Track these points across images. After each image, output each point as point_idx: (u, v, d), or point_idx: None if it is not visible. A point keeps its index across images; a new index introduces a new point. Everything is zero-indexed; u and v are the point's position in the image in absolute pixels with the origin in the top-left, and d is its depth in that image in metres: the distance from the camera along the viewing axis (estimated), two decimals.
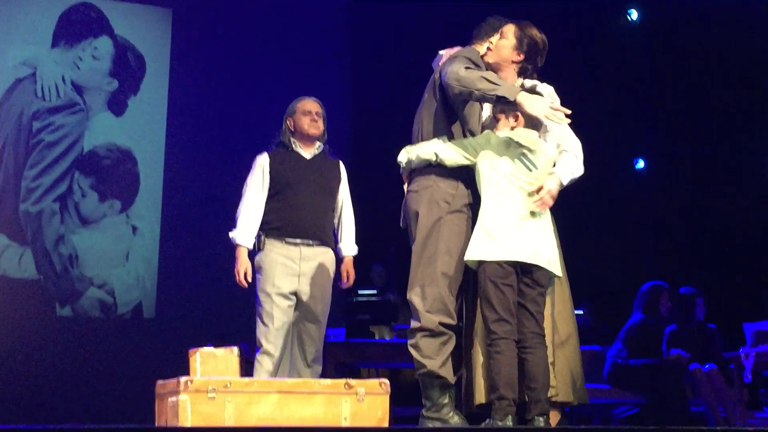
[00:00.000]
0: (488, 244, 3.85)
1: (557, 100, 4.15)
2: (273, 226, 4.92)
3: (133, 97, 7.71)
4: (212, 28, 7.81)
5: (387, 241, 6.99)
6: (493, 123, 4.10)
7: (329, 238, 5.03)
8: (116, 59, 7.71)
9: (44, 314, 7.24)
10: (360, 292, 6.62)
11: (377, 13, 7.95)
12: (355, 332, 6.17)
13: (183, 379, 3.56)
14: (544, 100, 3.86)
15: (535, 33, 4.14)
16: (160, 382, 3.89)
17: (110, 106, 7.65)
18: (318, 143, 5.08)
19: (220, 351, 4.06)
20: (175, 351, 4.95)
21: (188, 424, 3.46)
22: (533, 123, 4.00)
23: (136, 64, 7.76)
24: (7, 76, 7.40)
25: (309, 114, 5.04)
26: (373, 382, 3.76)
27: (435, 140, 4.05)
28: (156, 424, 3.84)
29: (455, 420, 3.93)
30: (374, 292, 6.60)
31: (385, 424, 3.69)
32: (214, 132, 7.55)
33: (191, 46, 7.80)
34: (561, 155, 4.07)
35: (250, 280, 4.90)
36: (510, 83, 4.00)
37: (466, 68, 3.88)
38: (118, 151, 7.61)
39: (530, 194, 3.88)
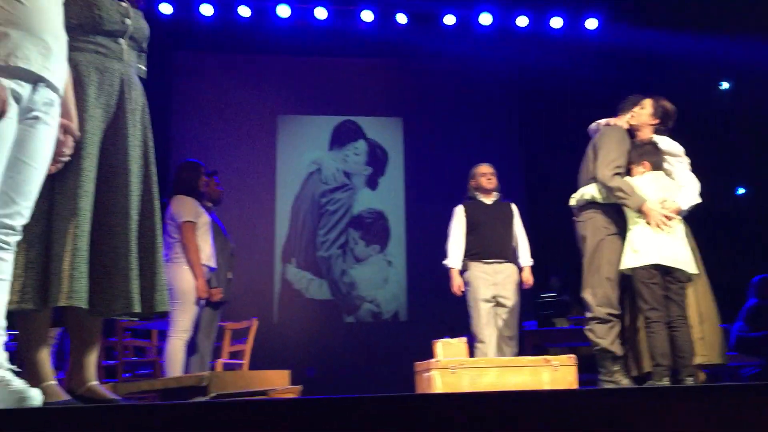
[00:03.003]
0: (636, 256, 3.64)
1: (678, 148, 3.92)
2: (473, 252, 4.85)
3: (382, 177, 7.84)
4: (426, 125, 7.86)
5: (558, 257, 6.75)
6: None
7: (512, 256, 4.90)
8: (369, 153, 7.88)
9: (337, 321, 7.42)
10: (543, 295, 6.36)
11: (539, 85, 7.69)
12: (543, 323, 5.94)
13: (433, 360, 3.52)
14: (658, 212, 3.62)
15: (666, 104, 3.92)
16: (417, 363, 3.86)
17: (368, 184, 7.81)
18: (495, 193, 5.01)
19: (454, 341, 4.00)
20: (422, 342, 4.90)
21: (438, 391, 3.42)
22: (657, 166, 3.78)
23: (382, 156, 7.89)
24: (304, 171, 7.71)
25: (485, 175, 5.00)
26: (564, 357, 3.59)
27: (594, 185, 3.87)
28: (416, 392, 3.82)
29: (625, 382, 3.68)
30: (554, 294, 6.32)
31: (575, 386, 3.51)
32: (432, 193, 7.55)
33: (415, 139, 7.87)
34: (682, 189, 3.80)
35: (463, 290, 4.84)
36: (646, 138, 3.81)
37: (613, 174, 3.72)
38: (375, 213, 7.75)
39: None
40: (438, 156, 7.72)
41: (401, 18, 7.43)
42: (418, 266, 7.49)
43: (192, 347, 4.49)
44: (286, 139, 7.71)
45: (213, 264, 4.53)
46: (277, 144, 7.69)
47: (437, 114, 7.86)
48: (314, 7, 7.30)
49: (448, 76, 7.82)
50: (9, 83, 2.01)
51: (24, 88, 2.07)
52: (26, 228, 2.17)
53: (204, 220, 4.52)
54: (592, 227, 3.83)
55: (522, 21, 7.55)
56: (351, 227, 7.65)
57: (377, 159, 7.89)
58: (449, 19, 7.48)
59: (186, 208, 4.44)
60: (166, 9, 7.11)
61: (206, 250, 4.44)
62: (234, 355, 4.85)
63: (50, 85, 2.15)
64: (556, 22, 7.56)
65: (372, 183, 7.81)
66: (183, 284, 4.31)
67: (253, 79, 7.68)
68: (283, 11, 7.28)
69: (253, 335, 4.91)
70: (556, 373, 3.52)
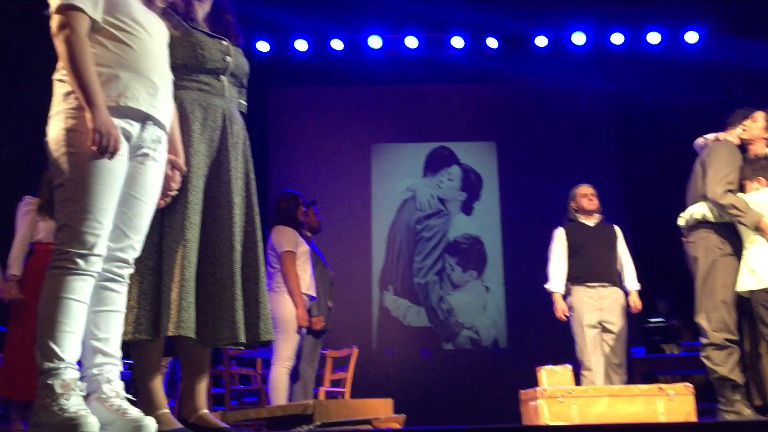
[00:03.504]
0: (753, 277, 3.40)
1: None
2: (576, 276, 4.67)
3: (477, 202, 7.75)
4: (520, 148, 7.73)
5: (664, 281, 6.45)
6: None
7: (617, 280, 4.69)
8: (463, 179, 7.81)
9: (435, 348, 7.33)
10: (651, 320, 6.08)
11: (637, 103, 7.42)
12: (652, 349, 5.66)
13: (539, 388, 3.40)
14: None
15: None
16: (522, 391, 3.74)
17: (463, 210, 7.73)
18: (596, 214, 4.82)
19: (559, 368, 3.86)
20: (524, 369, 4.75)
21: (546, 421, 3.29)
22: None
23: (476, 181, 7.81)
24: (398, 198, 7.72)
25: (586, 195, 4.82)
26: (679, 386, 3.39)
27: (704, 203, 3.66)
28: (522, 423, 3.70)
29: (747, 413, 3.42)
30: (661, 319, 6.02)
31: (693, 418, 3.29)
32: (528, 217, 7.38)
33: (510, 162, 7.75)
34: None
35: (567, 315, 4.67)
36: (761, 153, 3.58)
37: (725, 191, 3.53)
38: (471, 238, 7.65)
39: None
40: (533, 179, 7.56)
41: (492, 42, 7.37)
42: (517, 292, 7.32)
43: (295, 375, 4.53)
44: (380, 167, 7.76)
45: (313, 293, 4.57)
46: (372, 172, 7.74)
47: (531, 137, 7.72)
48: (405, 37, 7.36)
49: (542, 98, 7.69)
50: (120, 122, 2.09)
51: (133, 127, 2.16)
52: (138, 261, 2.24)
53: (303, 249, 4.57)
54: (704, 248, 3.62)
55: (617, 38, 7.33)
56: (447, 253, 7.58)
57: (471, 184, 7.80)
58: (541, 41, 7.36)
59: (286, 238, 4.51)
60: (263, 46, 7.34)
61: (306, 279, 4.49)
62: (335, 382, 4.86)
63: (158, 123, 2.23)
64: (654, 38, 7.30)
65: (467, 208, 7.73)
66: (284, 313, 4.36)
67: (347, 109, 7.80)
68: (375, 42, 7.37)
69: (354, 363, 4.90)
70: (671, 402, 3.32)
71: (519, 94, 7.74)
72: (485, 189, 7.78)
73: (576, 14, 7.15)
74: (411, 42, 7.37)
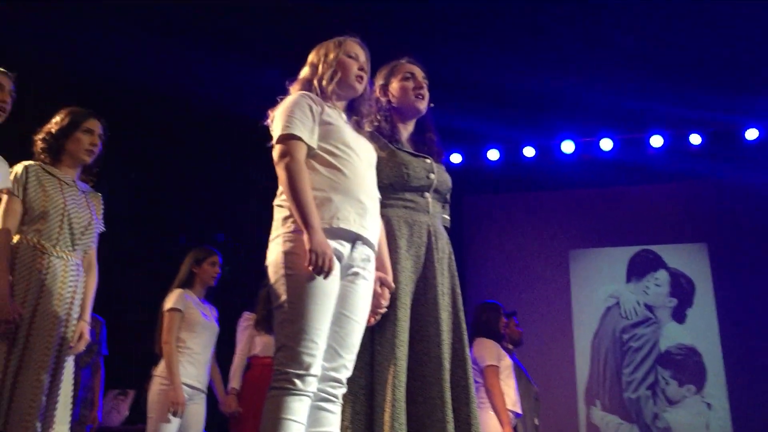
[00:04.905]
0: None
1: None
2: None
3: (690, 309, 7.12)
4: (735, 249, 7.06)
5: None
6: None
7: None
8: (672, 284, 7.24)
9: None
10: None
11: None
12: None
13: None
14: None
15: None
16: None
17: (674, 317, 7.12)
18: None
19: None
20: None
21: None
22: None
23: (687, 286, 7.21)
24: (601, 306, 7.30)
25: None
26: None
27: None
28: None
29: None
30: None
31: None
32: (751, 324, 6.63)
33: (724, 265, 7.10)
34: None
35: None
36: None
37: None
38: (686, 349, 6.98)
39: None
40: (753, 283, 6.85)
41: (695, 139, 6.97)
42: (745, 409, 6.50)
43: None
44: (579, 273, 7.44)
45: (519, 410, 4.34)
46: (571, 279, 7.43)
47: (746, 237, 7.06)
48: (599, 139, 7.18)
49: (754, 194, 7.06)
50: (332, 243, 2.15)
51: (345, 247, 2.21)
52: (351, 380, 2.24)
53: (506, 363, 4.40)
54: None
55: None
56: (659, 365, 6.97)
57: (682, 289, 7.21)
58: (751, 134, 6.84)
59: (488, 351, 4.37)
60: (455, 158, 7.50)
61: (511, 395, 4.29)
62: None
63: (367, 242, 2.27)
64: None
65: (679, 315, 7.12)
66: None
67: (541, 215, 7.65)
68: (568, 147, 7.27)
69: None
70: None
71: (728, 191, 7.18)
72: (698, 294, 7.14)
73: None
74: (606, 144, 7.17)
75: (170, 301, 3.89)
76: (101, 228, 2.97)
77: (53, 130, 2.89)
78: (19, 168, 2.80)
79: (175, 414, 3.66)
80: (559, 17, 5.22)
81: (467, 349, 2.55)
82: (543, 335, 7.04)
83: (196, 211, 6.16)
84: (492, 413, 4.21)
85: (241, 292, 4.44)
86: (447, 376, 2.42)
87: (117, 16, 4.71)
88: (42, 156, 2.89)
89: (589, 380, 7.07)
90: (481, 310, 4.68)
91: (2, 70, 2.74)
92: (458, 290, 2.64)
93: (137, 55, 5.19)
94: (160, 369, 3.80)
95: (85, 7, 4.57)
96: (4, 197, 2.74)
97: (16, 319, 2.56)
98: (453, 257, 2.69)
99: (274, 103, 2.34)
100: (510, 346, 4.76)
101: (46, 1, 4.53)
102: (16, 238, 2.71)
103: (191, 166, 6.08)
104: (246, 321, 4.37)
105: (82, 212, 2.84)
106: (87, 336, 2.80)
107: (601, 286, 7.37)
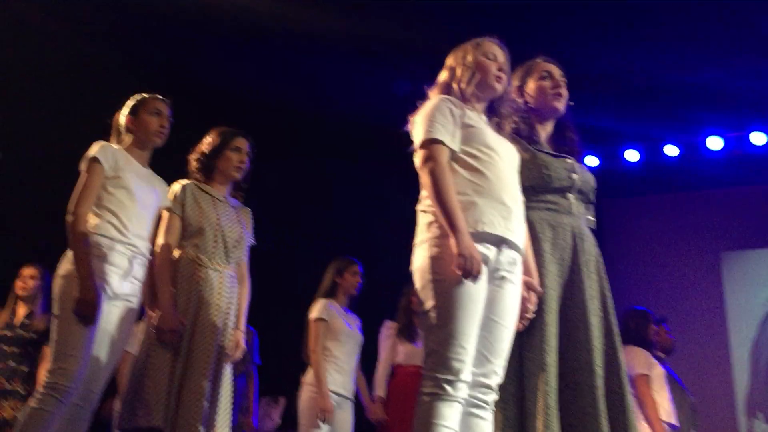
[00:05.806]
0: None
1: None
2: None
3: None
4: None
5: None
6: None
7: None
8: None
9: None
10: None
11: None
12: None
13: None
14: None
15: None
16: None
17: None
18: None
19: None
20: None
21: None
22: None
23: None
24: (758, 311, 6.79)
25: None
26: None
27: None
28: None
29: None
30: None
31: None
32: None
33: None
34: None
35: None
36: None
37: None
38: None
39: None
40: None
41: None
42: None
43: None
44: (733, 276, 6.97)
45: (674, 421, 4.11)
46: (724, 283, 6.97)
47: None
48: (749, 133, 6.71)
49: None
50: (478, 247, 2.13)
51: (490, 251, 2.18)
52: (501, 387, 2.20)
53: (658, 372, 4.19)
54: None
55: None
56: None
57: None
58: None
59: (638, 359, 4.18)
60: (592, 161, 7.25)
61: (665, 406, 4.07)
62: None
63: (512, 245, 2.23)
64: None
65: None
66: None
67: (687, 217, 7.24)
68: (714, 143, 6.83)
69: None
70: None
71: None
72: None
73: None
74: (757, 138, 6.68)
75: (315, 311, 4.01)
76: (252, 241, 3.10)
77: (205, 150, 3.05)
78: (177, 187, 2.97)
79: (324, 421, 3.76)
80: (700, 1, 4.92)
81: (621, 355, 2.44)
82: (694, 343, 6.63)
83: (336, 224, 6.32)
84: (645, 424, 4.01)
85: (382, 301, 4.52)
86: (600, 383, 2.33)
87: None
88: (196, 174, 3.05)
89: (749, 391, 6.59)
90: (628, 317, 4.47)
91: (160, 97, 2.94)
92: (608, 293, 2.54)
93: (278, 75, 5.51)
94: (309, 377, 3.92)
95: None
96: (165, 215, 2.92)
97: (181, 328, 2.72)
98: (601, 259, 2.59)
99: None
100: (661, 355, 4.53)
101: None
102: (176, 253, 2.88)
103: (336, 180, 6.29)
104: (388, 330, 4.43)
105: (234, 227, 2.97)
106: (243, 344, 2.93)
107: (758, 289, 6.86)
